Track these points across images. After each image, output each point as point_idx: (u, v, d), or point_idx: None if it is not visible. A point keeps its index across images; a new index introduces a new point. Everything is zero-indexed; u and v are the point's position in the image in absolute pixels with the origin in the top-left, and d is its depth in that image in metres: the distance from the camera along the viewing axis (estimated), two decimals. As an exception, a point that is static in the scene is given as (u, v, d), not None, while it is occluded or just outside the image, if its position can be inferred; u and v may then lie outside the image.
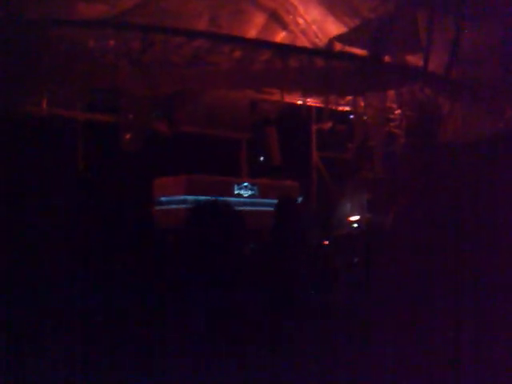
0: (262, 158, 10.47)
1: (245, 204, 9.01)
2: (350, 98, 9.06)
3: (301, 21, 8.71)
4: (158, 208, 8.46)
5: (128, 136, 8.61)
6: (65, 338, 2.17)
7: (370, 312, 2.33)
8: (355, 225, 9.70)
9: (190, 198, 8.42)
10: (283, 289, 2.56)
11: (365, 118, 9.33)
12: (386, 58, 8.23)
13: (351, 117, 9.78)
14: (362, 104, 9.11)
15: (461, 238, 2.67)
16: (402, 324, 2.31)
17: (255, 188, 9.50)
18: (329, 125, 9.82)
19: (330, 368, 2.20)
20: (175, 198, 8.51)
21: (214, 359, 2.07)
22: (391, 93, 8.90)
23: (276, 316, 2.25)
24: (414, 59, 8.42)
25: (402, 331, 2.29)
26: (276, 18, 8.57)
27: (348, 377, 2.19)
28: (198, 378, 2.06)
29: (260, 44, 7.61)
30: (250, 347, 2.09)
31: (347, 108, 9.52)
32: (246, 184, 9.46)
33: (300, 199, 8.21)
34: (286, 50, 7.58)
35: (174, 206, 8.37)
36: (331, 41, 8.31)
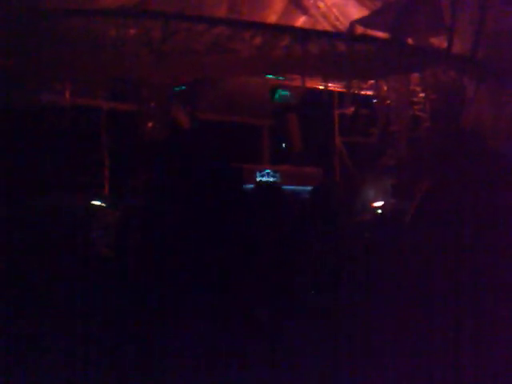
0: (283, 145, 10.43)
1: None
2: (372, 82, 8.96)
3: (321, 4, 8.61)
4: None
5: (150, 125, 8.65)
6: (81, 336, 2.19)
7: (372, 309, 2.31)
8: (379, 211, 9.62)
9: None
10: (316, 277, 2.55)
11: (388, 101, 9.23)
12: (409, 41, 8.10)
13: (374, 101, 9.67)
14: (385, 88, 9.01)
15: (481, 227, 2.63)
16: (404, 321, 2.29)
17: (277, 175, 9.49)
18: (351, 110, 9.72)
19: (330, 368, 2.20)
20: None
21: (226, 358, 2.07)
22: (414, 76, 8.77)
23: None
24: (438, 41, 8.27)
25: (402, 329, 2.27)
26: (296, 3, 8.49)
27: (348, 377, 2.19)
28: (198, 378, 2.06)
29: (280, 29, 7.54)
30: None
31: (370, 92, 9.42)
32: (267, 171, 9.45)
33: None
34: (306, 35, 7.50)
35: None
36: (352, 24, 8.19)
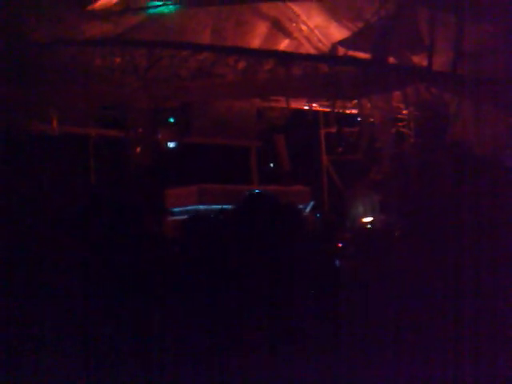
0: (271, 165, 10.55)
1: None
2: (356, 101, 9.12)
3: (304, 27, 8.78)
4: (171, 219, 8.56)
5: (138, 149, 8.74)
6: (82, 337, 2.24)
7: (370, 312, 2.40)
8: (368, 226, 9.72)
9: (202, 207, 8.51)
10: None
11: (371, 119, 9.38)
12: (390, 60, 8.27)
13: (358, 119, 9.83)
14: (368, 106, 9.16)
15: (469, 237, 2.72)
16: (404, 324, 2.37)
17: (266, 194, 9.56)
18: (336, 129, 9.87)
19: (330, 368, 2.27)
20: (188, 208, 8.60)
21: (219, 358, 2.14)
22: (397, 93, 8.94)
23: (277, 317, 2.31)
24: (418, 59, 8.45)
25: (403, 333, 2.35)
26: (279, 27, 8.65)
27: (348, 377, 2.26)
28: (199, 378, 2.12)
29: (264, 53, 7.69)
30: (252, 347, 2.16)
31: (354, 111, 9.57)
32: (256, 191, 9.53)
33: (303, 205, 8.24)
34: (289, 58, 7.66)
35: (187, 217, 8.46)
36: (335, 46, 8.37)
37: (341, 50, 8.40)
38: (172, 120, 8.95)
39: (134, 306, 2.33)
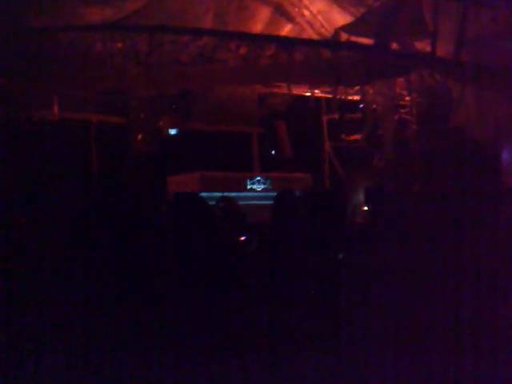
0: (273, 152, 10.52)
1: (259, 198, 9.08)
2: (358, 87, 9.06)
3: (306, 12, 8.70)
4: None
5: (140, 136, 8.72)
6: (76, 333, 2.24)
7: (370, 307, 2.38)
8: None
9: (203, 194, 8.50)
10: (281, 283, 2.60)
11: (374, 106, 9.33)
12: (393, 46, 8.20)
13: (361, 106, 9.77)
14: (371, 92, 9.10)
15: (468, 227, 2.70)
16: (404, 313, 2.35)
17: (268, 182, 9.56)
18: (337, 115, 9.83)
19: (330, 367, 2.26)
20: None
21: (214, 358, 2.13)
22: (400, 80, 8.87)
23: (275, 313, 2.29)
24: (422, 45, 8.38)
25: (401, 331, 2.34)
26: (281, 12, 8.58)
27: (348, 377, 2.25)
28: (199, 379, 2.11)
29: (266, 38, 7.62)
30: (248, 346, 2.14)
31: (356, 97, 9.51)
32: (258, 178, 9.51)
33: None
34: (291, 43, 7.58)
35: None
36: (337, 31, 8.29)
37: (343, 36, 8.32)
38: (173, 106, 8.92)
39: (133, 300, 2.32)
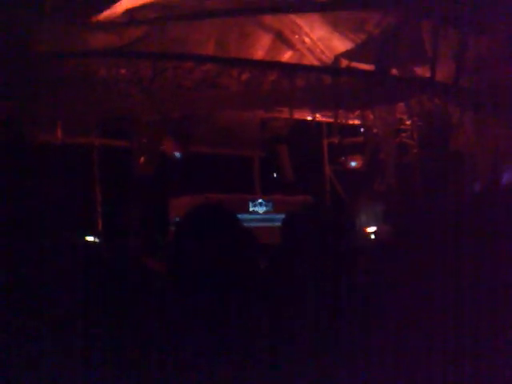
0: (274, 175, 10.60)
1: (261, 220, 9.13)
2: (358, 111, 9.16)
3: (307, 39, 8.83)
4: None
5: (142, 160, 8.81)
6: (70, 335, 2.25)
7: (371, 315, 2.41)
8: (372, 236, 9.75)
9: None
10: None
11: (375, 130, 9.42)
12: (393, 71, 8.31)
13: (362, 130, 9.88)
14: (372, 117, 9.20)
15: (473, 246, 2.74)
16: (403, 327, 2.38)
17: (270, 204, 9.62)
18: (338, 139, 9.94)
19: (330, 368, 2.28)
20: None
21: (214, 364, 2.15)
22: (400, 104, 8.98)
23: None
24: (421, 71, 8.49)
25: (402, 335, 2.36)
26: (282, 39, 8.70)
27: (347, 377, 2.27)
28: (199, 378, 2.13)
29: (267, 65, 7.74)
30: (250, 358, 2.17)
31: (357, 121, 9.61)
32: (260, 201, 9.58)
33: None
34: (293, 69, 7.70)
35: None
36: (337, 57, 8.41)
37: (344, 62, 8.44)
38: (176, 131, 9.02)
39: (133, 308, 2.36)
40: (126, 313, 2.29)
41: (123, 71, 7.09)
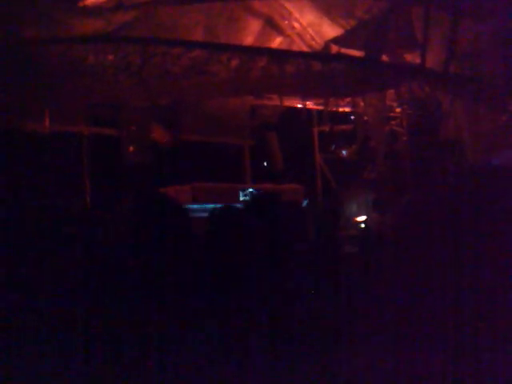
0: (265, 163, 10.54)
1: (251, 209, 9.07)
2: (349, 99, 9.11)
3: (296, 25, 8.77)
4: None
5: (131, 148, 8.71)
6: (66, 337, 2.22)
7: (370, 311, 2.38)
8: (362, 225, 9.74)
9: (195, 206, 8.48)
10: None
11: (365, 118, 9.38)
12: (383, 58, 8.26)
13: (352, 118, 9.83)
14: (362, 104, 9.15)
15: (463, 237, 2.71)
16: (402, 322, 2.36)
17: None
18: (328, 127, 9.89)
19: (329, 367, 2.25)
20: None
21: (214, 360, 2.12)
22: (391, 92, 8.94)
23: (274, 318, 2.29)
24: (412, 57, 8.45)
25: (402, 328, 2.34)
26: (271, 24, 8.64)
27: (347, 376, 2.24)
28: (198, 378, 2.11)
29: (257, 51, 7.66)
30: (248, 349, 2.14)
31: (347, 109, 9.57)
32: (250, 190, 9.52)
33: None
34: (282, 55, 7.63)
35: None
36: (327, 44, 8.35)
37: (334, 48, 8.38)
38: (165, 118, 8.93)
39: (130, 305, 2.31)
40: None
41: (111, 57, 6.98)
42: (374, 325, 2.38)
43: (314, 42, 8.84)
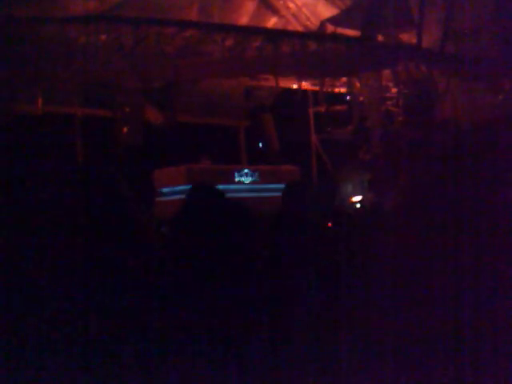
0: (260, 145, 10.50)
1: (247, 191, 9.06)
2: (345, 79, 9.05)
3: (291, 5, 8.69)
4: (159, 199, 8.51)
5: (125, 129, 8.66)
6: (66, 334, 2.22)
7: (367, 301, 2.38)
8: (358, 205, 9.74)
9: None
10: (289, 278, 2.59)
11: (361, 98, 9.33)
12: (379, 37, 8.20)
13: (348, 98, 9.77)
14: (358, 84, 9.10)
15: (459, 219, 2.70)
16: (401, 309, 2.35)
17: (256, 174, 9.54)
18: (324, 107, 9.83)
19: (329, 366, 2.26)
20: (176, 189, 8.55)
21: (213, 357, 2.12)
22: (386, 71, 8.88)
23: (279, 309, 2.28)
24: (408, 37, 8.39)
25: (401, 317, 2.33)
26: (266, 4, 8.56)
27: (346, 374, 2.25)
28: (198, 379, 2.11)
29: (252, 31, 7.59)
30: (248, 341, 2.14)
31: (343, 89, 9.51)
32: (246, 171, 9.49)
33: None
34: (277, 35, 7.56)
35: (175, 197, 8.41)
36: (323, 23, 8.29)
37: (329, 28, 8.32)
38: (158, 99, 8.86)
39: (131, 299, 2.30)
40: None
41: (104, 38, 6.91)
42: (372, 313, 2.38)
43: (309, 22, 8.77)
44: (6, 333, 2.24)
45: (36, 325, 2.26)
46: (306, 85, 9.47)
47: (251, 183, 9.38)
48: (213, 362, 2.14)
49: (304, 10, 8.71)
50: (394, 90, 9.54)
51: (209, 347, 2.14)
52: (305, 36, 8.00)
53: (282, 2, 8.66)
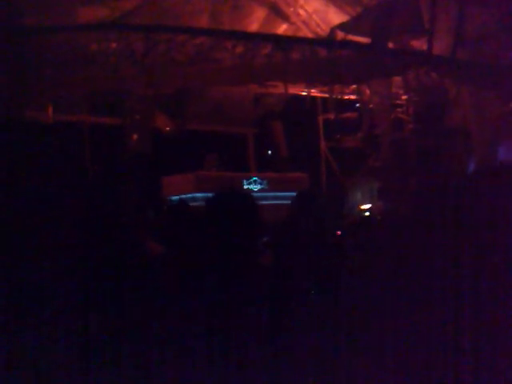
0: (269, 152, 10.46)
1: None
2: (354, 86, 9.02)
3: (302, 12, 8.67)
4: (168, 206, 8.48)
5: (135, 136, 8.65)
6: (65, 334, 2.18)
7: (370, 304, 2.33)
8: (366, 213, 9.69)
9: (199, 195, 8.43)
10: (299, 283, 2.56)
11: (371, 105, 9.29)
12: (390, 44, 8.17)
13: (357, 105, 9.74)
14: (368, 92, 9.07)
15: (467, 226, 2.66)
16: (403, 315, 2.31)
17: (264, 182, 9.51)
18: (334, 115, 9.79)
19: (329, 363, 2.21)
20: (185, 196, 8.52)
21: (214, 358, 2.08)
22: (397, 79, 8.85)
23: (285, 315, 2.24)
24: (418, 43, 8.36)
25: (401, 323, 2.29)
26: (276, 11, 8.55)
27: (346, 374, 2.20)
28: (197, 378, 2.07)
29: (262, 37, 7.58)
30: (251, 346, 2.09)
31: (353, 96, 9.47)
32: (254, 178, 9.46)
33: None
34: (287, 42, 7.55)
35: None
36: (333, 30, 8.26)
37: (339, 35, 8.29)
38: (169, 107, 8.85)
39: (131, 299, 2.27)
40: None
41: (114, 45, 6.91)
42: (375, 318, 2.34)
43: (319, 29, 8.75)
44: (6, 333, 2.21)
45: (36, 325, 2.24)
46: (315, 92, 9.45)
47: (260, 191, 9.35)
48: (213, 361, 2.10)
49: (314, 16, 8.69)
50: (404, 98, 9.51)
51: (209, 347, 2.11)
52: (315, 42, 7.98)
53: (292, 9, 8.64)
